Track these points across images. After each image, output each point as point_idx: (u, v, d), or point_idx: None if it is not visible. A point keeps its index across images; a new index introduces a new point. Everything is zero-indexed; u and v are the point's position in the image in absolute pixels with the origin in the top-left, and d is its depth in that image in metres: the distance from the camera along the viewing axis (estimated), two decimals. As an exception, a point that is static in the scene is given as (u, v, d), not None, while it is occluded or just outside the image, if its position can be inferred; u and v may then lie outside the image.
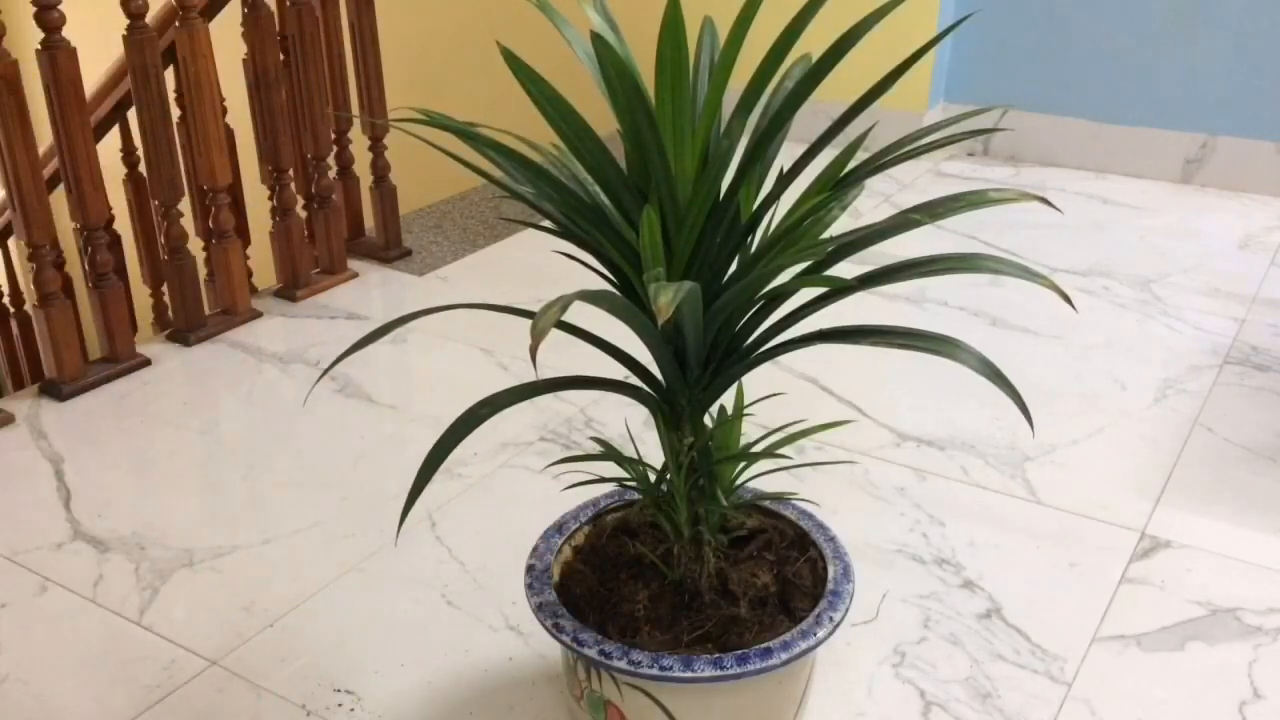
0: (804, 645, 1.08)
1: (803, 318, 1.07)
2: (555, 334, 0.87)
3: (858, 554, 1.23)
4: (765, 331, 1.08)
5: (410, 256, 2.48)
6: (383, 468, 1.73)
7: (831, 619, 1.11)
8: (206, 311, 2.17)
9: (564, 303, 0.86)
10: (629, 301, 1.00)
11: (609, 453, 1.16)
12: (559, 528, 1.24)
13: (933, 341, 0.98)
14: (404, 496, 1.01)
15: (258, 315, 2.21)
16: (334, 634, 1.39)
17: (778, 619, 1.13)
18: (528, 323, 0.83)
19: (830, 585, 1.15)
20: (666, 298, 0.79)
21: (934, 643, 1.37)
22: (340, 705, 1.28)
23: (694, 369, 1.07)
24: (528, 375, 1.98)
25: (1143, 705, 1.28)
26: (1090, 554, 1.53)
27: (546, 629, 1.10)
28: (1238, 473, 1.71)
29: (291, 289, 2.28)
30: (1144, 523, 1.59)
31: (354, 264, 2.43)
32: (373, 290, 2.37)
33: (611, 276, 1.09)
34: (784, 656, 1.07)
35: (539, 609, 1.12)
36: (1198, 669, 1.33)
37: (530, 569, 1.18)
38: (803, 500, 1.25)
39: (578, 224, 1.03)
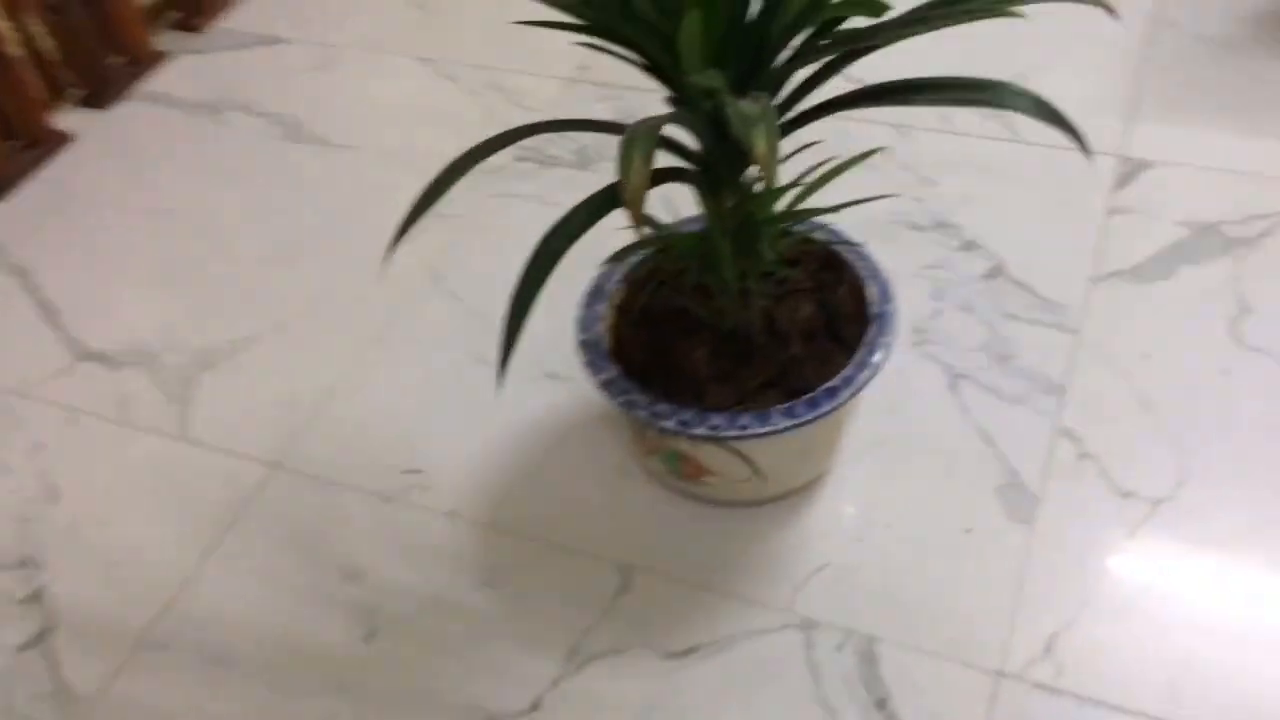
0: (865, 376, 1.14)
1: (829, 69, 1.03)
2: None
3: (855, 231, 1.25)
4: (801, 90, 1.04)
5: (302, -48, 2.25)
6: (364, 219, 1.68)
7: (885, 345, 1.16)
8: (107, 65, 1.98)
9: (648, 135, 0.82)
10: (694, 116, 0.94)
11: (661, 233, 1.15)
12: (597, 292, 1.24)
13: (982, 91, 0.95)
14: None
15: (164, 57, 2.03)
16: (379, 414, 1.42)
17: (830, 349, 1.18)
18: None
19: (873, 308, 1.19)
20: (763, 144, 0.75)
21: (948, 314, 1.44)
22: (414, 487, 1.33)
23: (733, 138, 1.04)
24: (479, 86, 1.89)
25: (1146, 338, 1.38)
26: (1076, 188, 1.58)
27: (618, 406, 1.15)
28: (1205, 71, 1.73)
29: (191, 18, 2.08)
30: (1122, 145, 1.63)
31: (243, -30, 2.21)
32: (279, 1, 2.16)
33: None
34: (848, 393, 1.13)
35: (605, 387, 1.16)
36: (1190, 293, 1.43)
37: (583, 344, 1.20)
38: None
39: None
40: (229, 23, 2.11)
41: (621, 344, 1.22)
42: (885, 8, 0.89)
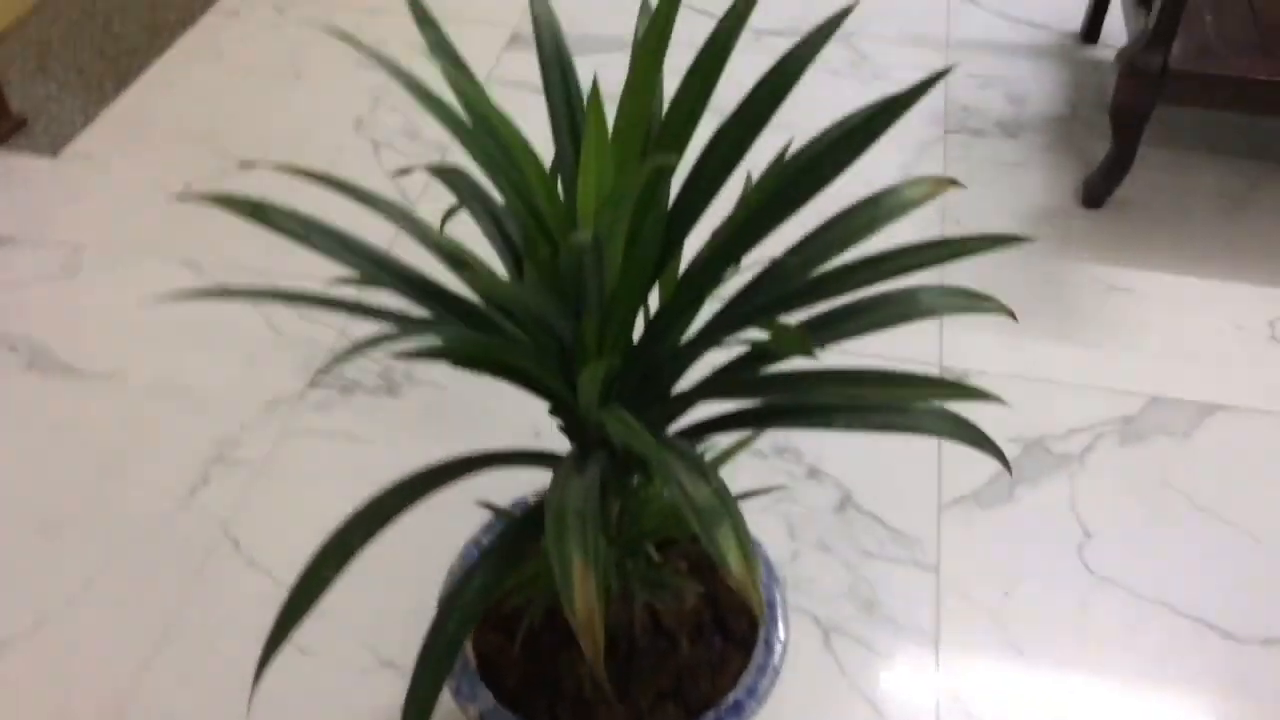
0: (766, 683, 1.05)
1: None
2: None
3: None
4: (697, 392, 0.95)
5: (28, 128, 1.98)
6: (139, 468, 1.45)
7: (780, 639, 1.08)
8: None
9: (581, 524, 0.69)
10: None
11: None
12: (455, 596, 1.09)
13: (902, 415, 0.89)
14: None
15: None
16: (183, 730, 1.20)
17: (723, 650, 1.08)
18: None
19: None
20: (738, 559, 0.65)
21: (807, 555, 1.38)
22: (236, 829, 1.12)
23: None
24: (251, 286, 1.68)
25: (1001, 573, 1.37)
26: (905, 405, 1.56)
27: (501, 746, 1.00)
28: (1000, 272, 1.78)
29: (-110, 213, 1.78)
30: (939, 357, 1.64)
31: (-47, 149, 1.92)
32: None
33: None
34: (754, 704, 1.03)
35: (483, 722, 1.01)
36: (1032, 517, 1.43)
37: (448, 666, 1.04)
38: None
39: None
40: (-59, 216, 1.82)
41: (486, 658, 1.07)
42: (812, 348, 0.81)
